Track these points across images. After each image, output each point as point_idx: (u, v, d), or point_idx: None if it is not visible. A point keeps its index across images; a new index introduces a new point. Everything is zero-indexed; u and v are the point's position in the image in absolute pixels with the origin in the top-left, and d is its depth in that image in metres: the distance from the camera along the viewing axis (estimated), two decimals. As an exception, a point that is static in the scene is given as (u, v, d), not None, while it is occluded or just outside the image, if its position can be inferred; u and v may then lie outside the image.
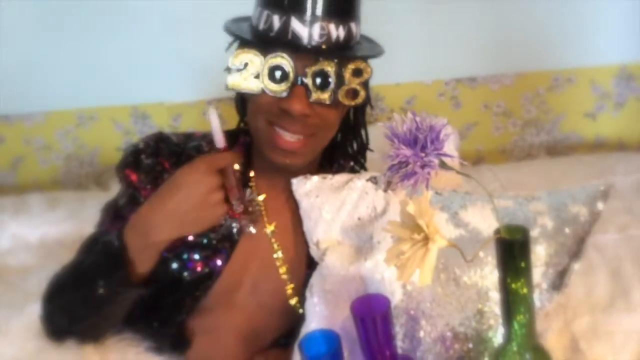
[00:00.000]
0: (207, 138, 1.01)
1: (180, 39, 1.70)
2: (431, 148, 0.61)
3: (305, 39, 0.85)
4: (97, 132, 1.85)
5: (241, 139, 1.01)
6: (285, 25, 0.85)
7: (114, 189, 1.51)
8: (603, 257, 1.20)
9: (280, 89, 0.86)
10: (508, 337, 0.73)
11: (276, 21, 0.85)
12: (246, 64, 0.86)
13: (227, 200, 0.87)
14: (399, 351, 0.85)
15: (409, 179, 0.62)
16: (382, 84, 1.74)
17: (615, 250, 1.22)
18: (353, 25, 0.88)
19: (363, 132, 1.03)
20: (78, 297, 0.88)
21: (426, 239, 0.59)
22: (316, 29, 0.84)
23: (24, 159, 1.89)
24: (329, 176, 0.97)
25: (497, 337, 0.87)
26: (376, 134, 1.32)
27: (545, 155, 1.82)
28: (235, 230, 0.95)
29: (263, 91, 0.86)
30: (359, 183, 0.96)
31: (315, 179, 0.96)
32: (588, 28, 1.70)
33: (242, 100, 0.99)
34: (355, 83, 0.88)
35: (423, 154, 0.61)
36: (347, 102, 0.89)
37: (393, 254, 0.61)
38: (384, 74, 1.67)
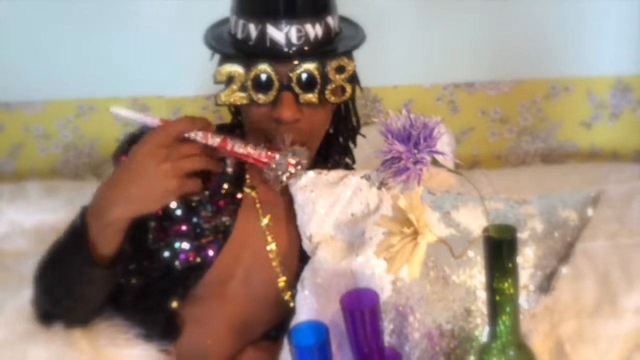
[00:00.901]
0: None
1: (181, 33, 1.69)
2: (424, 145, 0.62)
3: (283, 45, 0.85)
4: (97, 122, 1.84)
5: (237, 132, 1.02)
6: (262, 34, 0.85)
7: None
8: (592, 263, 1.22)
9: (268, 97, 0.86)
10: (493, 335, 0.74)
11: (252, 30, 0.85)
12: (230, 78, 0.86)
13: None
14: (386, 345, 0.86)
15: (401, 174, 0.63)
16: (380, 86, 1.75)
17: (603, 257, 1.24)
18: (329, 19, 0.88)
19: (354, 119, 1.03)
20: (54, 277, 0.89)
21: (416, 233, 0.61)
22: (293, 33, 0.85)
23: (22, 147, 1.89)
24: (324, 172, 0.98)
25: (484, 335, 0.88)
26: (372, 135, 1.33)
27: (540, 163, 1.83)
28: (285, 176, 0.86)
29: (252, 101, 0.87)
30: (354, 180, 0.97)
31: (311, 174, 0.97)
32: (587, 38, 1.71)
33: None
34: (340, 80, 0.88)
35: (416, 151, 0.63)
36: (335, 100, 0.89)
37: (383, 247, 0.62)
38: (382, 76, 1.72)
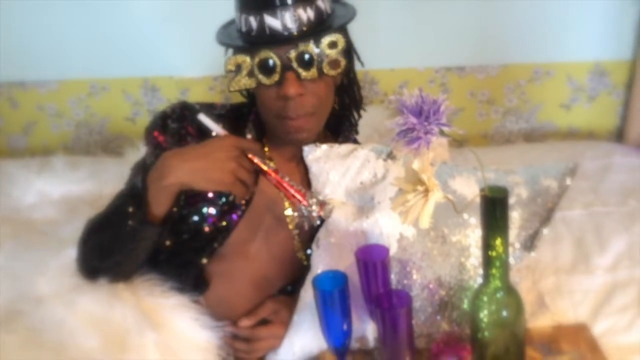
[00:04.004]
0: (226, 107, 1.14)
1: (191, 16, 1.80)
2: (433, 118, 0.75)
3: (281, 30, 0.96)
4: (108, 101, 1.94)
5: (253, 111, 1.12)
6: (261, 24, 0.96)
7: (128, 155, 1.63)
8: (569, 229, 1.37)
9: (273, 79, 0.98)
10: (486, 281, 0.87)
11: (253, 22, 0.97)
12: (238, 66, 0.98)
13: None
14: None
15: (413, 142, 0.76)
16: (378, 69, 1.86)
17: (579, 224, 1.38)
18: (319, 2, 0.99)
19: (357, 91, 1.15)
20: (107, 235, 0.99)
21: (426, 191, 0.74)
22: (288, 18, 0.96)
23: (36, 124, 1.97)
24: (336, 145, 1.10)
25: (476, 286, 1.01)
26: (370, 115, 1.45)
27: (523, 141, 1.95)
28: (314, 212, 1.00)
29: (259, 84, 0.98)
30: (362, 152, 1.09)
31: (324, 147, 1.08)
32: (567, 26, 1.82)
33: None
34: (334, 54, 0.99)
35: (426, 123, 0.75)
36: (332, 72, 1.00)
37: (399, 203, 0.75)
38: (380, 60, 1.83)
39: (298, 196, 0.98)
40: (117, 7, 1.82)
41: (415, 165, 0.73)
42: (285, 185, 0.99)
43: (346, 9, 1.06)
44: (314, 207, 0.99)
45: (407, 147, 0.77)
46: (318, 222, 1.01)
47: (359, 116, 1.19)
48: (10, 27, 1.85)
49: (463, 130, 0.77)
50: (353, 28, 1.06)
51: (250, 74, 0.98)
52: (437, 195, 0.74)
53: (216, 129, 1.01)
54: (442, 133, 0.77)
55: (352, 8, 1.06)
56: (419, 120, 0.75)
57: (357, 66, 1.11)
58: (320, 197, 1.01)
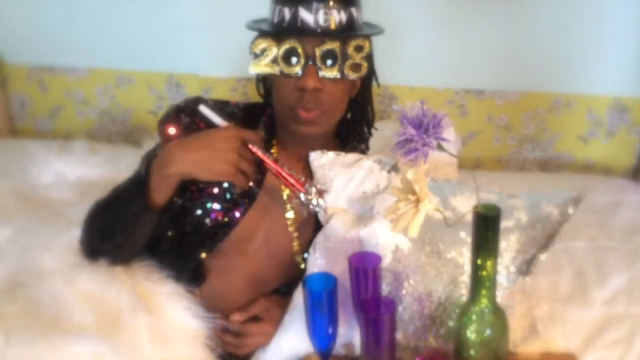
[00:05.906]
0: (240, 106, 1.17)
1: (220, 17, 1.84)
2: (432, 131, 0.77)
3: (312, 25, 0.99)
4: (133, 93, 1.99)
5: (267, 112, 1.15)
6: (295, 15, 0.99)
7: (146, 146, 1.67)
8: (570, 259, 1.36)
9: (295, 69, 1.01)
10: (473, 300, 0.88)
11: (287, 13, 1.00)
12: (263, 50, 1.01)
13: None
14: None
15: (410, 154, 0.78)
16: (397, 85, 1.88)
17: (582, 255, 1.38)
18: (353, 10, 1.02)
19: (369, 109, 1.17)
20: (110, 218, 1.02)
21: (418, 201, 0.75)
22: (321, 15, 0.99)
23: (62, 109, 2.03)
24: (342, 154, 1.12)
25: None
26: (385, 129, 1.46)
27: (537, 170, 1.94)
28: (314, 200, 1.02)
29: (281, 72, 1.01)
30: (367, 163, 1.11)
31: (331, 154, 1.11)
32: (591, 59, 1.82)
33: (264, 84, 1.15)
34: (358, 58, 1.02)
35: (425, 136, 0.77)
36: (352, 75, 1.03)
37: (390, 210, 0.77)
38: (400, 77, 1.85)
39: (297, 185, 1.01)
40: (151, 4, 1.87)
41: (410, 175, 0.75)
42: (284, 174, 1.01)
43: (374, 27, 1.09)
44: (312, 195, 1.01)
45: (405, 157, 0.79)
46: (317, 210, 1.03)
47: (370, 134, 1.21)
48: (46, 13, 1.91)
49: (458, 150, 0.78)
50: (377, 44, 1.08)
51: (274, 61, 1.01)
52: (428, 207, 0.76)
53: (217, 120, 1.03)
54: (440, 147, 0.79)
55: (380, 27, 1.09)
56: (418, 132, 0.77)
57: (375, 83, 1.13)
58: (319, 186, 1.03)
